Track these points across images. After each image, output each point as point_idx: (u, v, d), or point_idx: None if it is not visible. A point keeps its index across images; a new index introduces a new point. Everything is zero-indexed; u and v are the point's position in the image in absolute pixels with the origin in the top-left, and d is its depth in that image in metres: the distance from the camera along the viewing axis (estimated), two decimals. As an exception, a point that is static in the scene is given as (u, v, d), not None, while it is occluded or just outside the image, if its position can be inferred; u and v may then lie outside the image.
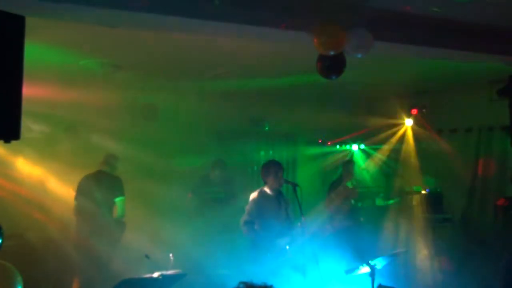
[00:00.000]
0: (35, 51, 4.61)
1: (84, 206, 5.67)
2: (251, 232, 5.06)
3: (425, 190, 7.70)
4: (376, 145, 8.76)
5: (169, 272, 3.69)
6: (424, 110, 7.92)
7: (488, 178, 7.38)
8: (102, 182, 5.76)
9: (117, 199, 5.76)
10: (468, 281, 5.82)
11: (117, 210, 5.77)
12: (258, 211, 5.04)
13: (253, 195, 5.19)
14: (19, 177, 6.20)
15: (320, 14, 3.68)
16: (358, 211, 7.21)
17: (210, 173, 6.97)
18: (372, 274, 3.95)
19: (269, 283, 2.01)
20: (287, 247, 4.92)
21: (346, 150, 8.84)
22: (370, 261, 3.96)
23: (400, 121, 8.31)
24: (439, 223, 7.28)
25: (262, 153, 8.59)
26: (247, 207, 5.16)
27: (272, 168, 5.23)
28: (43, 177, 6.31)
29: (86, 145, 6.46)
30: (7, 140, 2.73)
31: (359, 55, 3.88)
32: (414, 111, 8.08)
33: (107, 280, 4.54)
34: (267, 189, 5.19)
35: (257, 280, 2.01)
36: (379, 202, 7.84)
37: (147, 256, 4.08)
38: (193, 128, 7.61)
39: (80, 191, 5.77)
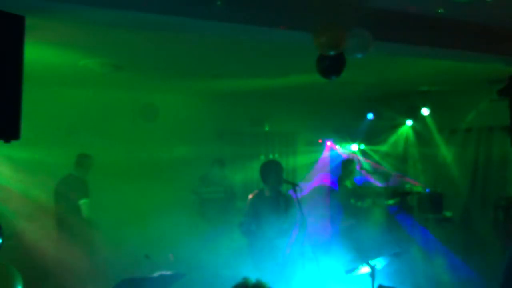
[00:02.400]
0: (35, 51, 4.61)
1: (56, 210, 5.94)
2: (247, 233, 5.06)
3: (425, 190, 7.70)
4: (376, 145, 8.77)
5: (169, 272, 3.68)
6: (424, 110, 7.92)
7: (488, 178, 7.39)
8: (68, 186, 5.94)
9: (81, 202, 5.83)
10: (468, 281, 5.83)
11: (82, 213, 5.84)
12: (254, 212, 5.03)
13: (250, 196, 5.19)
14: (19, 177, 6.20)
15: (320, 14, 3.68)
16: (358, 211, 7.20)
17: (209, 173, 6.98)
18: (372, 274, 3.94)
19: (266, 282, 2.01)
20: (288, 250, 4.91)
21: (346, 150, 8.85)
22: (370, 261, 3.96)
23: (400, 121, 8.32)
24: (439, 223, 7.28)
25: (262, 153, 8.59)
26: (244, 208, 5.16)
27: (272, 168, 5.22)
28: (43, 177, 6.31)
29: (86, 145, 6.43)
30: (7, 140, 2.73)
31: (359, 55, 3.88)
32: (414, 111, 8.09)
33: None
34: (266, 190, 5.18)
35: (255, 278, 2.02)
36: (379, 202, 7.84)
37: (147, 256, 4.07)
38: (193, 128, 7.61)
39: (54, 196, 5.99)
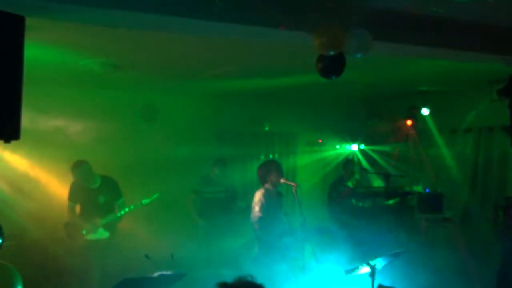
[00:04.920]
0: (35, 51, 4.61)
1: None
2: (262, 229, 5.02)
3: (425, 190, 7.70)
4: (376, 145, 8.77)
5: (169, 272, 3.68)
6: (424, 110, 7.93)
7: (488, 178, 7.40)
8: None
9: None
10: (468, 281, 5.82)
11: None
12: (267, 207, 5.04)
13: (261, 192, 5.14)
14: (18, 178, 6.20)
15: (320, 14, 3.68)
16: (359, 211, 7.22)
17: (211, 173, 6.97)
18: (372, 274, 3.94)
19: (248, 277, 2.02)
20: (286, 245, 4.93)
21: (346, 150, 8.85)
22: (370, 261, 3.95)
23: (400, 121, 8.31)
24: (439, 223, 7.28)
25: (262, 153, 8.59)
26: (258, 204, 5.05)
27: (273, 167, 5.24)
28: (42, 177, 6.31)
29: (86, 145, 6.43)
30: (7, 140, 2.73)
31: (359, 55, 3.88)
32: (414, 111, 8.09)
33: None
34: (269, 188, 5.19)
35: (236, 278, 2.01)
36: (379, 202, 7.84)
37: (147, 256, 4.07)
38: (193, 128, 7.61)
39: None
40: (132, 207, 5.89)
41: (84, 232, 5.77)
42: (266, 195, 5.11)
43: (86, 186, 5.88)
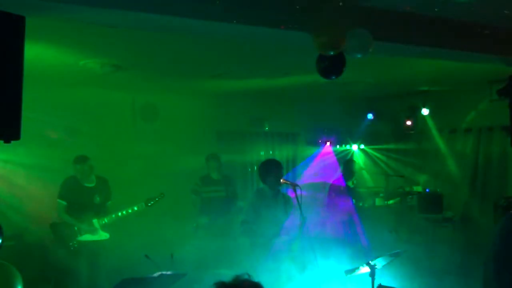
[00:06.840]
0: (35, 51, 4.62)
1: None
2: (247, 232, 5.04)
3: (425, 190, 7.71)
4: (376, 145, 8.77)
5: (169, 272, 3.68)
6: (424, 110, 7.93)
7: (488, 178, 7.40)
8: None
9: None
10: (468, 281, 5.82)
11: None
12: (254, 210, 5.02)
13: (252, 194, 5.21)
14: (18, 178, 6.20)
15: (320, 14, 3.68)
16: (359, 211, 7.22)
17: (210, 172, 6.94)
18: (372, 274, 3.94)
19: (245, 275, 2.02)
20: (288, 249, 4.91)
21: (346, 150, 8.86)
22: (370, 261, 3.95)
23: (399, 121, 8.31)
24: (439, 223, 7.29)
25: (262, 153, 8.59)
26: (245, 207, 5.16)
27: (272, 167, 5.22)
28: (42, 177, 6.31)
29: (85, 145, 6.43)
30: (7, 140, 2.73)
31: (359, 55, 3.88)
32: (414, 111, 8.10)
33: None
34: (266, 189, 5.18)
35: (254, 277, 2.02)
36: (379, 202, 7.84)
37: (147, 256, 4.07)
38: (193, 128, 7.61)
39: None
40: (135, 208, 5.80)
41: (76, 229, 5.67)
42: (255, 198, 5.11)
43: (81, 184, 5.79)
